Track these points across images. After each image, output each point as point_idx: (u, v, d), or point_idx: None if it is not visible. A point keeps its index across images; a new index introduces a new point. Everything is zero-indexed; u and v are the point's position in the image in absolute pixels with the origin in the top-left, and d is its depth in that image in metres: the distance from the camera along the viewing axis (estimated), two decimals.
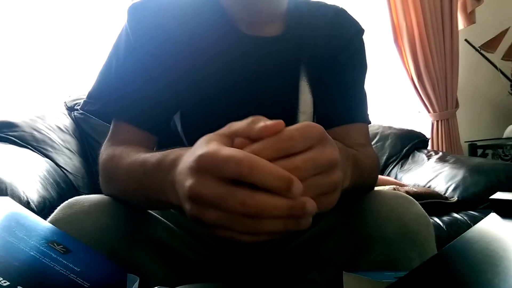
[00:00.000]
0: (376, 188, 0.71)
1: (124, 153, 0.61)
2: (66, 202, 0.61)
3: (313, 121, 0.75)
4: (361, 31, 0.80)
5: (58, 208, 0.60)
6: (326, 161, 0.40)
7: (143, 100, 0.68)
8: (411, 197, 0.65)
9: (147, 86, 0.68)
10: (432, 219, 1.44)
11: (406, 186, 1.70)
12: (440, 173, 1.73)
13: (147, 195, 0.55)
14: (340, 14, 0.80)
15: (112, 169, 0.63)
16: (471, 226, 0.46)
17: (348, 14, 0.80)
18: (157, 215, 0.65)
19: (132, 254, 0.59)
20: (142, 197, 0.57)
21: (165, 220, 0.66)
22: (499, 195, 0.51)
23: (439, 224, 1.41)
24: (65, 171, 1.42)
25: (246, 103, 0.71)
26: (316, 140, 0.40)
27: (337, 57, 0.77)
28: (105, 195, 0.65)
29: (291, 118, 0.74)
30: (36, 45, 1.90)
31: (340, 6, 0.81)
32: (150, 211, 0.67)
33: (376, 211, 0.62)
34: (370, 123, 0.79)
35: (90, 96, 0.73)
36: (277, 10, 0.75)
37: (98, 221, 0.58)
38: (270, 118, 0.44)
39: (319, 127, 0.41)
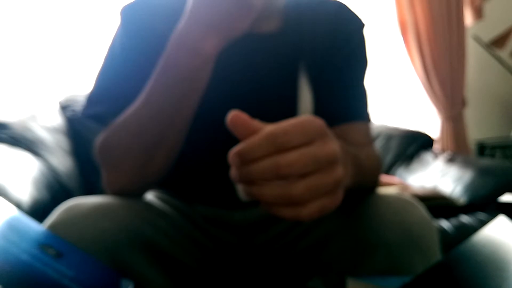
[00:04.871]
0: (380, 189, 0.70)
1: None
2: (65, 205, 0.60)
3: None
4: (361, 25, 0.78)
5: (57, 211, 0.59)
6: (326, 157, 0.39)
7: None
8: (414, 201, 0.64)
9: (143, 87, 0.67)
10: (439, 222, 1.42)
11: (411, 186, 1.68)
12: (447, 174, 1.71)
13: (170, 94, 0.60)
14: (341, 9, 0.78)
15: (111, 133, 0.65)
16: (478, 229, 0.45)
17: (349, 8, 0.79)
18: (157, 221, 0.64)
19: (130, 259, 0.58)
20: (162, 110, 0.61)
21: (164, 225, 0.65)
22: (507, 197, 0.50)
23: (446, 227, 1.39)
24: (58, 172, 1.40)
25: (243, 102, 0.69)
26: (315, 134, 0.39)
27: (337, 53, 0.75)
28: (110, 172, 0.66)
29: (290, 117, 0.72)
30: (28, 45, 1.89)
31: (341, 1, 0.79)
32: (150, 213, 0.65)
33: (378, 215, 0.61)
34: (371, 121, 0.78)
35: (90, 100, 0.72)
36: (273, 6, 0.74)
37: (97, 225, 0.57)
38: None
39: (318, 121, 0.40)
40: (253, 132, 0.40)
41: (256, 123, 0.40)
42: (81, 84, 1.84)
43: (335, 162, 0.40)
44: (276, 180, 0.39)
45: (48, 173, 1.35)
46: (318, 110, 0.75)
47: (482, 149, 2.45)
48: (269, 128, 0.39)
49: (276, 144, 0.38)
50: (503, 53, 2.43)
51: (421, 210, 0.63)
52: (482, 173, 1.60)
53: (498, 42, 2.35)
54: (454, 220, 1.43)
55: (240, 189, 0.41)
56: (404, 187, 1.61)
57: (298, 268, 0.71)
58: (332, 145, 0.40)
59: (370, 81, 0.82)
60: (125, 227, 0.58)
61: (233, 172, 0.40)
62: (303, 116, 0.41)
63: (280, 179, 0.38)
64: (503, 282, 0.40)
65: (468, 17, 2.39)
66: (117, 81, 0.70)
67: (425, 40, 2.30)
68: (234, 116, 0.40)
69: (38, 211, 1.13)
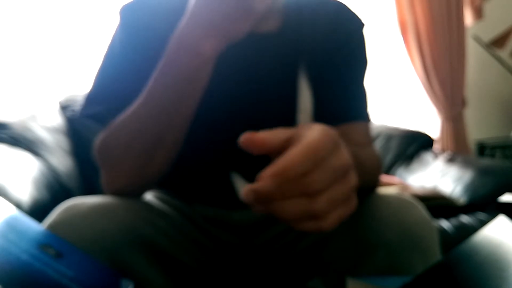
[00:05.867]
0: (380, 189, 0.70)
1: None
2: (64, 205, 0.60)
3: (312, 120, 0.74)
4: (361, 25, 0.79)
5: (56, 211, 0.59)
6: (342, 167, 0.39)
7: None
8: (414, 201, 0.64)
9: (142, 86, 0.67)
10: (439, 222, 1.42)
11: (411, 186, 1.67)
12: (447, 174, 1.71)
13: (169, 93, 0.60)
14: (341, 9, 0.78)
15: (110, 132, 0.65)
16: (478, 229, 0.45)
17: (349, 8, 0.79)
18: (157, 221, 0.64)
19: (130, 259, 0.58)
20: (161, 109, 0.60)
21: (164, 225, 0.65)
22: (507, 197, 0.50)
23: (446, 227, 1.39)
24: (58, 172, 1.40)
25: (242, 102, 0.70)
26: (331, 148, 0.39)
27: (337, 52, 0.75)
28: (108, 172, 0.65)
29: (290, 117, 0.72)
30: (28, 45, 1.89)
31: (341, 1, 0.80)
32: (150, 213, 0.65)
33: (378, 215, 0.61)
34: (370, 121, 0.78)
35: (89, 100, 0.72)
36: (273, 6, 0.74)
37: (97, 225, 0.57)
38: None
39: (331, 134, 0.40)
40: (268, 147, 0.39)
41: (268, 138, 0.39)
42: (81, 84, 1.84)
43: (349, 171, 0.40)
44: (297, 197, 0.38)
45: (48, 173, 1.35)
46: (318, 110, 0.75)
47: (482, 149, 2.45)
48: (300, 148, 0.38)
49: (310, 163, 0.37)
50: (503, 53, 2.43)
51: (421, 210, 0.63)
52: (482, 173, 1.60)
53: (498, 42, 2.34)
54: (454, 220, 1.43)
55: (253, 207, 0.39)
56: (404, 187, 1.61)
57: (298, 268, 0.71)
58: (345, 154, 0.40)
59: (370, 81, 0.83)
60: (125, 227, 0.58)
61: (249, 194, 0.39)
62: (316, 128, 0.40)
63: (302, 196, 0.38)
64: (503, 282, 0.40)
65: (468, 17, 2.39)
66: (116, 81, 0.70)
67: (425, 40, 2.30)
68: (247, 140, 0.39)
69: (38, 211, 1.13)
